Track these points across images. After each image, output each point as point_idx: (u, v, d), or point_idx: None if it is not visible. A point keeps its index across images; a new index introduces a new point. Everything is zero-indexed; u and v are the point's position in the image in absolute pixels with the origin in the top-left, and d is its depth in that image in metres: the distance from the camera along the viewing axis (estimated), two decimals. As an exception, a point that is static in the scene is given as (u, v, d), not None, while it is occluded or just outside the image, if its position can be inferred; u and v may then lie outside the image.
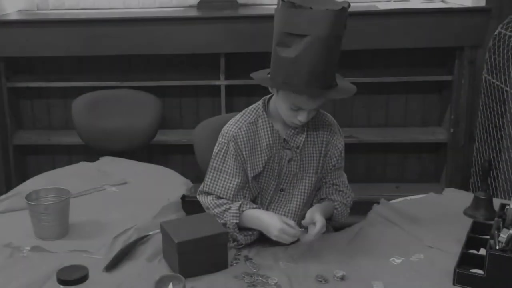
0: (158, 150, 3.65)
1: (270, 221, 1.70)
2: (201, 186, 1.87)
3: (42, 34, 3.23)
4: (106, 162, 2.56)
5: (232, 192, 1.80)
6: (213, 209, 1.81)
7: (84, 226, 1.91)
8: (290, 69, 1.64)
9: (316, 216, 1.70)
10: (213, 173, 1.83)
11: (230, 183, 1.81)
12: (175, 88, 3.55)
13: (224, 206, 1.80)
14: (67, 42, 3.23)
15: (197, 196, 1.88)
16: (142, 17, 3.26)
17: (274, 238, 1.69)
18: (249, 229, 1.79)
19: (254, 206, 1.80)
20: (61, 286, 1.32)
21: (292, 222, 1.69)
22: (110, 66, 3.59)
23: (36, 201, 1.85)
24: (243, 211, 1.77)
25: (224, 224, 1.76)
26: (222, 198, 1.82)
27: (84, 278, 1.33)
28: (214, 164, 1.83)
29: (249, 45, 3.18)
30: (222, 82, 3.32)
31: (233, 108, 3.52)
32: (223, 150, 1.82)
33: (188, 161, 3.66)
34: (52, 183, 2.12)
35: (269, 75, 1.75)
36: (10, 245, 1.77)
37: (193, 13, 3.40)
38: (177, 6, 3.63)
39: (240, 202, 1.78)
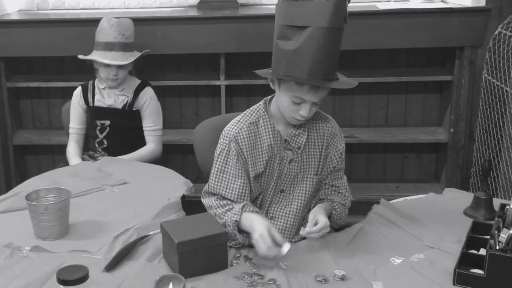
0: (158, 150, 3.65)
1: (257, 225, 1.68)
2: (205, 187, 1.87)
3: (42, 34, 3.22)
4: (106, 162, 2.56)
5: (236, 193, 1.81)
6: (215, 209, 1.81)
7: (84, 226, 1.91)
8: (291, 61, 1.66)
9: (319, 217, 1.73)
10: (217, 174, 1.84)
11: (234, 183, 1.81)
12: (175, 88, 3.55)
13: (227, 206, 1.80)
14: (67, 42, 3.23)
15: (202, 199, 1.88)
16: (142, 17, 3.26)
17: (253, 242, 1.67)
18: None
19: (256, 210, 1.80)
20: (61, 286, 1.32)
21: (278, 237, 1.65)
22: (110, 66, 3.59)
23: (36, 201, 1.85)
24: (245, 211, 1.77)
25: (224, 224, 1.76)
26: (226, 199, 1.82)
27: (84, 278, 1.33)
28: (217, 165, 1.84)
29: (249, 45, 3.18)
30: (222, 82, 3.32)
31: (233, 108, 3.52)
32: (224, 151, 1.82)
33: (188, 161, 3.67)
34: (52, 183, 2.12)
35: (270, 71, 1.76)
36: (10, 245, 1.76)
37: (193, 13, 3.40)
38: (177, 6, 3.64)
39: (244, 203, 1.78)
